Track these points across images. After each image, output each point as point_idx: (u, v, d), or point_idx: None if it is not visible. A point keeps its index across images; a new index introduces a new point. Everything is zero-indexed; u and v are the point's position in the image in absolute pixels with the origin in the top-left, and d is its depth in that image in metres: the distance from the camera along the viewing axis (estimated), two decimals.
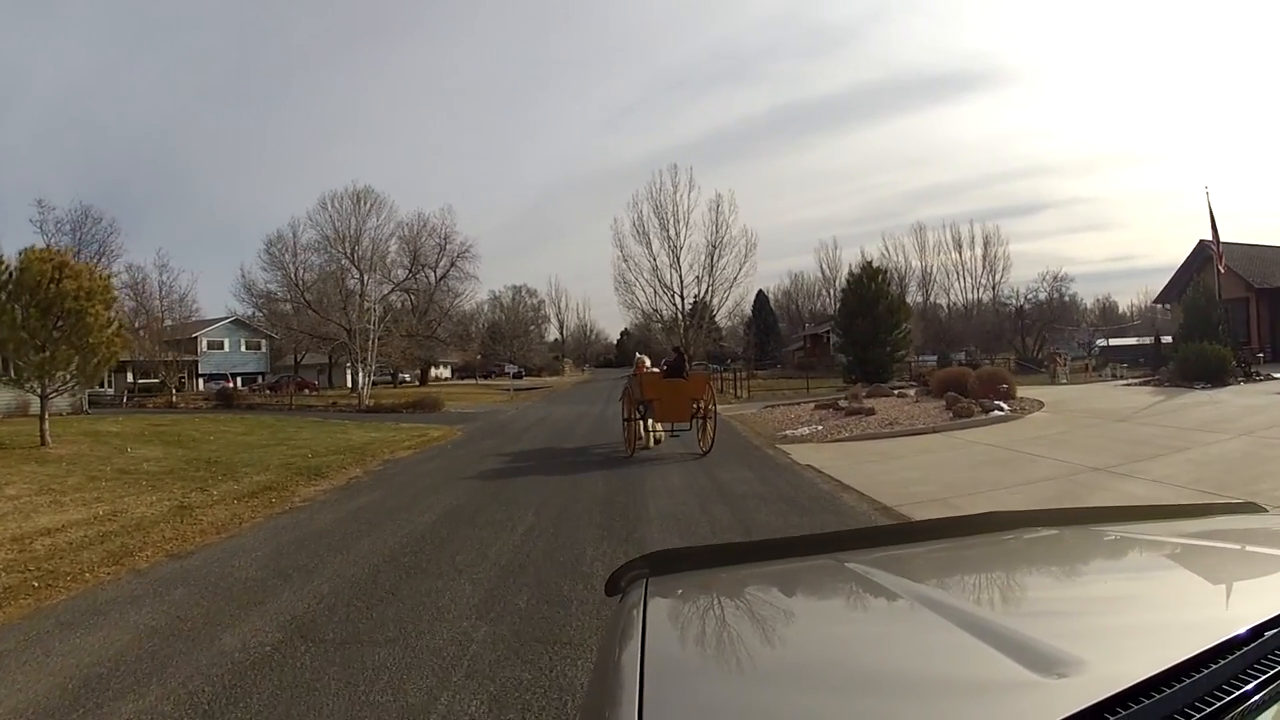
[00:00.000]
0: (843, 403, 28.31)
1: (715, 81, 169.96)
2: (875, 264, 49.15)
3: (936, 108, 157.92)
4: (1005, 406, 22.92)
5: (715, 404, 19.98)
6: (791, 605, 1.95)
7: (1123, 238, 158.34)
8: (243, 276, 72.33)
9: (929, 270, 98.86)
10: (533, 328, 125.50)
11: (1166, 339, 40.44)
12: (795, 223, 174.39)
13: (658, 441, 20.41)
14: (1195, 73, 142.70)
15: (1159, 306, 60.09)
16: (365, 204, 65.60)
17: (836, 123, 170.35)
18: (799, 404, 33.68)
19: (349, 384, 70.88)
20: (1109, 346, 60.78)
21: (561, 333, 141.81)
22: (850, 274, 50.21)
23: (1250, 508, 2.69)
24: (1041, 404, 23.94)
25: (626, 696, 1.23)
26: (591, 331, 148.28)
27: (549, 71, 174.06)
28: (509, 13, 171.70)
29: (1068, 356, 41.49)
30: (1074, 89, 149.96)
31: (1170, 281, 42.26)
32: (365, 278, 55.99)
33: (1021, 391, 26.41)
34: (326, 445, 22.63)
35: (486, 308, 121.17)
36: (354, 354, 48.12)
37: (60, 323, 20.89)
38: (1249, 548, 2.10)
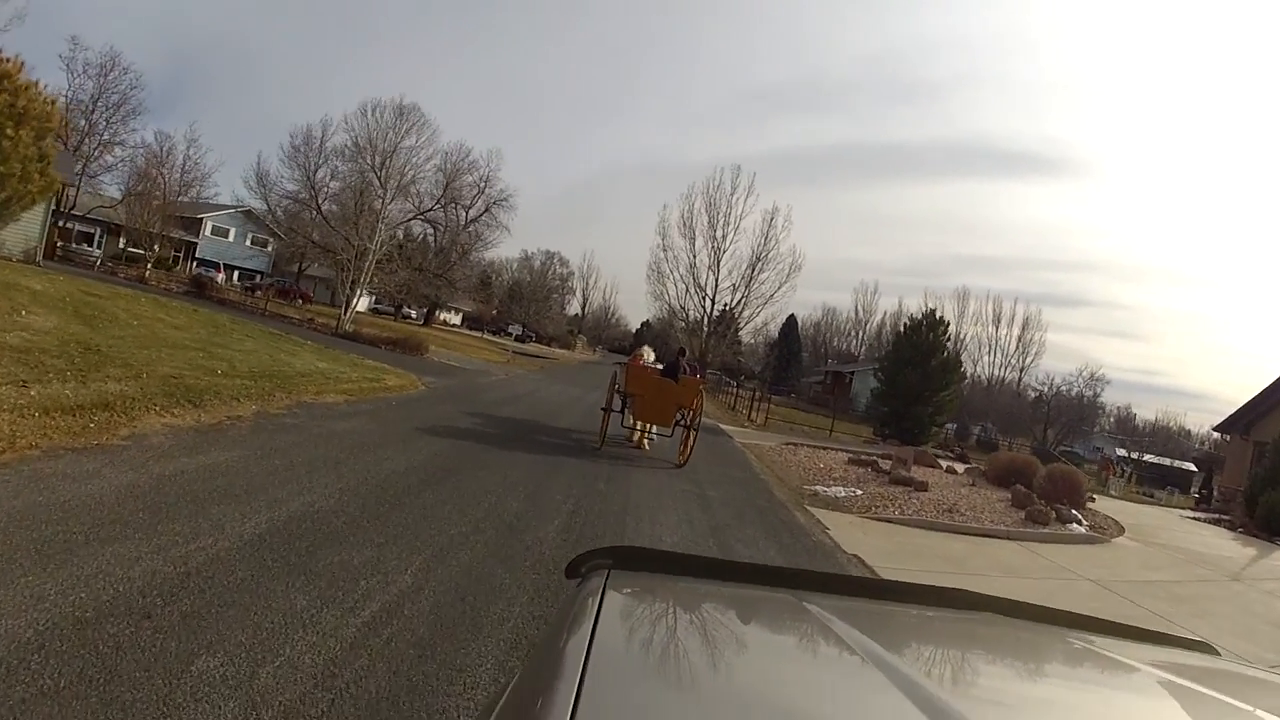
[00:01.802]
0: (884, 463, 23.75)
1: (792, 106, 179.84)
2: (936, 314, 44.15)
3: (1000, 181, 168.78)
4: (1083, 521, 18.66)
5: (700, 417, 18.70)
6: (743, 633, 1.96)
7: (1152, 352, 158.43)
8: (258, 165, 67.76)
9: (962, 337, 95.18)
10: (556, 296, 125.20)
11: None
12: (838, 259, 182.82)
13: (644, 445, 19.26)
14: (1252, 207, 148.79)
15: (1216, 436, 57.57)
16: (407, 120, 61.82)
17: (900, 172, 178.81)
18: (827, 449, 29.18)
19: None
20: (1129, 459, 58.05)
21: (583, 308, 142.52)
22: (909, 320, 45.25)
23: (1204, 647, 2.62)
24: (1121, 528, 19.79)
25: (565, 687, 1.22)
26: (613, 315, 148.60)
27: (637, 64, 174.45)
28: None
29: (1121, 469, 37.44)
30: (1136, 195, 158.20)
31: (1239, 412, 37.82)
32: (388, 195, 51.42)
33: None
34: (252, 365, 18.27)
35: (515, 266, 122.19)
36: (347, 271, 43.29)
37: None
38: (1200, 688, 1.92)
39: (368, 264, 43.04)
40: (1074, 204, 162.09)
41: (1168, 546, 18.76)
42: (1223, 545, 20.78)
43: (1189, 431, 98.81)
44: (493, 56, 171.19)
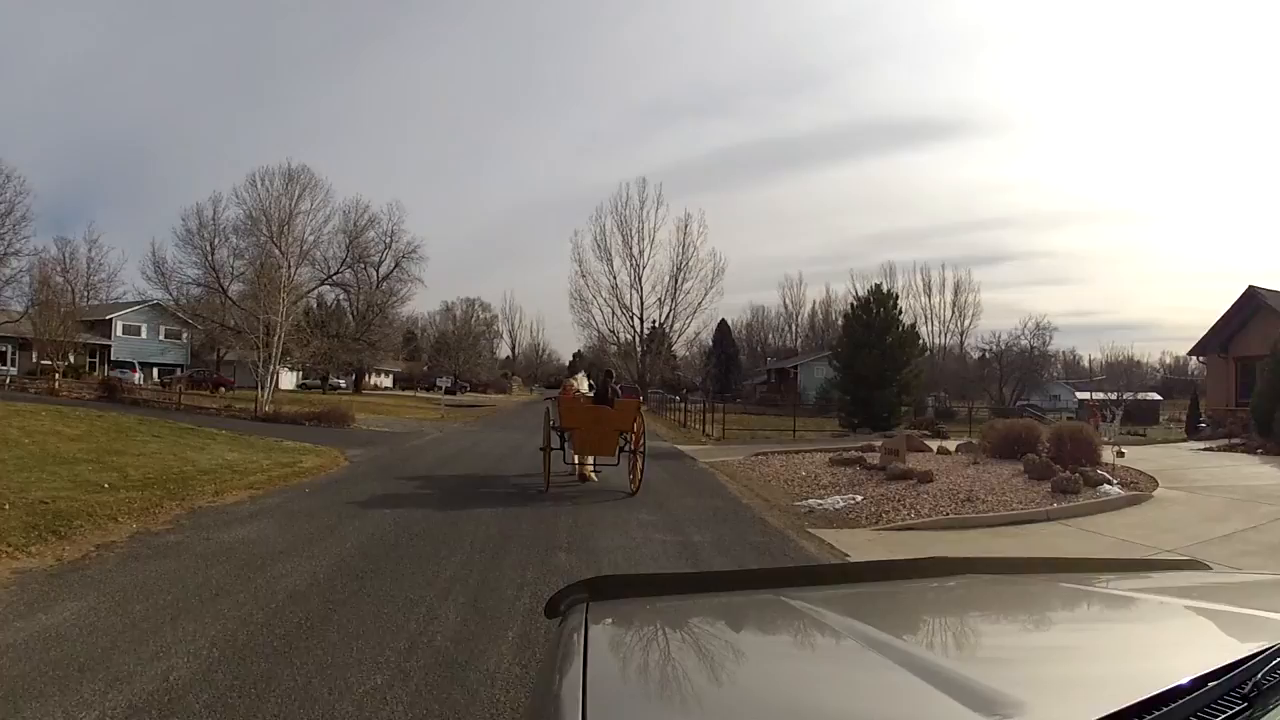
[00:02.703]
0: (870, 457, 21.44)
1: (685, 113, 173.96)
2: (882, 288, 41.38)
3: (904, 154, 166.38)
4: (1112, 479, 16.45)
5: (645, 439, 17.55)
6: (735, 639, 1.97)
7: (1083, 293, 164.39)
8: (153, 253, 63.62)
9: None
10: (483, 342, 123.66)
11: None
12: (756, 257, 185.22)
13: (591, 477, 18.21)
14: (1158, 130, 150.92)
15: (1170, 360, 57.97)
16: (298, 185, 59.31)
17: (802, 161, 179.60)
18: (800, 452, 26.47)
19: (278, 384, 64.33)
20: (1093, 401, 55.09)
21: (513, 350, 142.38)
22: (855, 299, 42.41)
23: (1193, 564, 2.86)
24: (1152, 478, 17.75)
25: None
26: (544, 351, 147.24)
27: (518, 94, 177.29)
28: (483, 30, 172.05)
29: (1114, 413, 35.45)
30: (1040, 144, 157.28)
31: (1211, 332, 36.78)
32: (292, 265, 48.61)
33: None
34: (149, 471, 16.30)
35: (438, 318, 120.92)
36: (258, 350, 40.01)
37: None
38: (1192, 603, 2.13)
39: (276, 339, 40.12)
40: (979, 163, 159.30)
41: (1211, 488, 17.21)
42: (1263, 474, 20.00)
43: (1138, 362, 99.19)
44: (378, 106, 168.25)
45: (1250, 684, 1.26)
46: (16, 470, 14.50)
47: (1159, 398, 72.03)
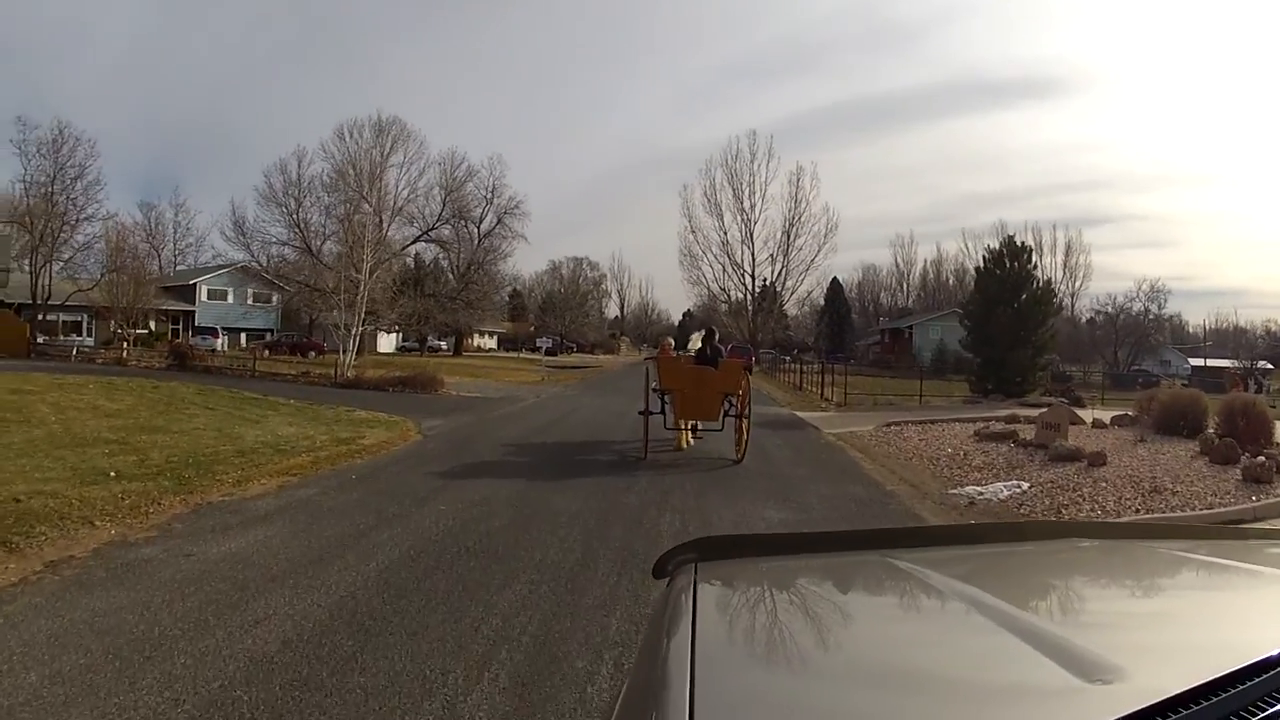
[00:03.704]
0: (1025, 432, 18.44)
1: (781, 72, 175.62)
2: (1016, 240, 37.81)
3: (997, 112, 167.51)
4: None
5: (750, 403, 16.74)
6: (841, 600, 1.96)
7: (1181, 258, 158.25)
8: (233, 212, 63.51)
9: None
10: (591, 301, 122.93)
11: None
12: (857, 218, 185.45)
13: (685, 446, 17.11)
14: (1252, 90, 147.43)
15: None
16: (389, 137, 57.65)
17: (903, 120, 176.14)
18: (935, 422, 23.41)
19: (377, 347, 63.08)
20: (1236, 369, 55.57)
21: (622, 310, 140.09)
22: (988, 251, 38.74)
23: None
24: None
25: (677, 683, 1.22)
26: (653, 310, 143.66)
27: (616, 52, 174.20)
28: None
29: (1260, 381, 32.18)
30: (1134, 104, 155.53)
31: None
32: (385, 221, 46.74)
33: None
34: (179, 451, 14.18)
35: (545, 278, 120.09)
36: (339, 311, 38.14)
37: None
38: None
39: (360, 298, 37.86)
40: (1073, 123, 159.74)
41: None
42: None
43: (1243, 329, 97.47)
44: (479, 62, 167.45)
45: None
46: (19, 455, 12.56)
47: (1270, 366, 70.68)
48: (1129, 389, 41.66)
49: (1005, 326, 34.69)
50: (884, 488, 13.74)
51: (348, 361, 36.23)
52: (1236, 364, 58.69)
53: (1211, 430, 16.28)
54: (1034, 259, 36.97)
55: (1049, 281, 36.61)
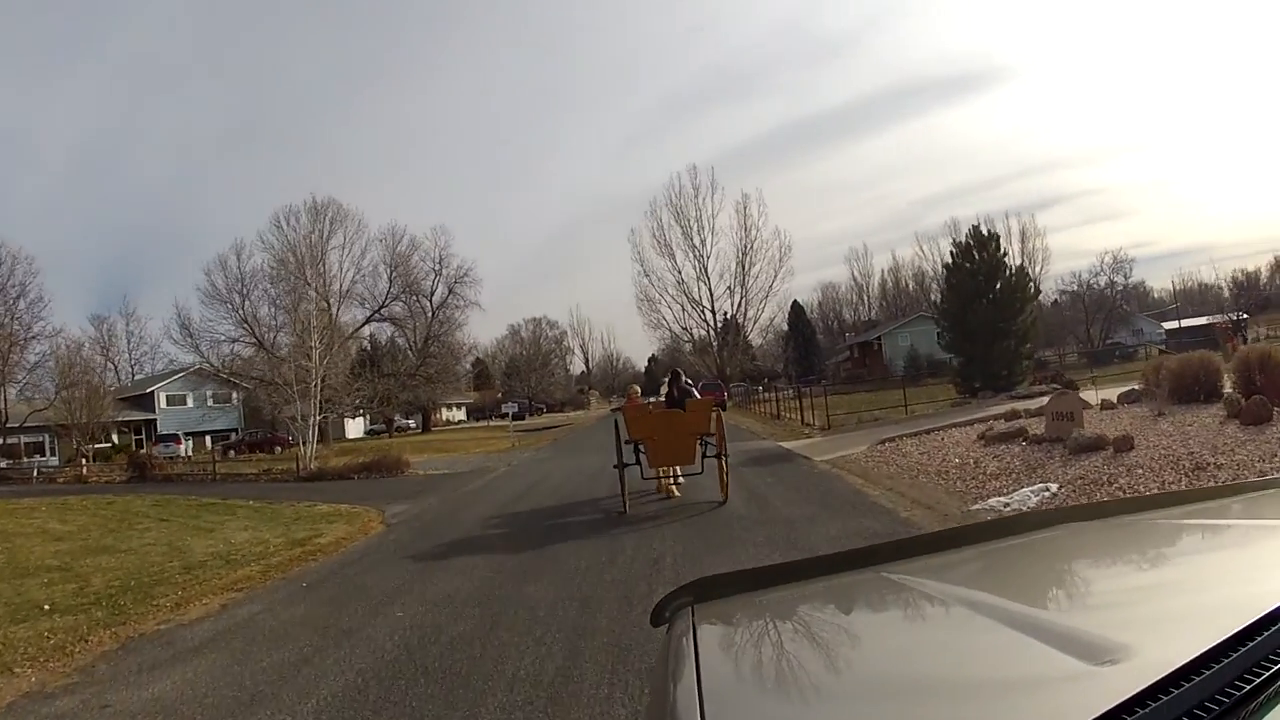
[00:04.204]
0: (1034, 428, 17.08)
1: (718, 101, 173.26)
2: (982, 230, 36.26)
3: (941, 112, 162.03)
4: None
5: (725, 441, 15.67)
6: (841, 621, 1.89)
7: (1137, 225, 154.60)
8: (178, 314, 61.69)
9: None
10: (555, 360, 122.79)
11: None
12: (813, 236, 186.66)
13: (674, 491, 16.22)
14: (1193, 44, 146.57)
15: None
16: (325, 218, 56.54)
17: (844, 133, 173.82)
18: (932, 431, 22.02)
19: (345, 434, 62.30)
20: (1224, 321, 56.15)
21: (587, 364, 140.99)
22: (955, 245, 37.32)
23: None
24: None
25: None
26: (618, 360, 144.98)
27: (550, 109, 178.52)
28: (504, 54, 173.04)
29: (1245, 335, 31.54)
30: (1068, 83, 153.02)
31: None
32: (333, 305, 45.52)
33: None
34: (121, 573, 13.57)
35: (507, 344, 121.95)
36: (295, 403, 36.69)
37: None
38: None
39: (315, 387, 36.53)
40: (1014, 109, 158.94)
41: None
42: None
43: (1208, 285, 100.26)
44: (415, 137, 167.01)
45: None
46: None
47: (1246, 316, 71.00)
48: (1108, 364, 42.63)
49: (984, 319, 33.33)
50: (898, 515, 12.25)
51: (309, 453, 34.94)
52: (1222, 318, 58.39)
53: (1229, 390, 15.61)
54: (1003, 246, 35.51)
55: (1021, 267, 35.03)
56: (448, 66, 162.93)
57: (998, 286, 34.01)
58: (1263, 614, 1.15)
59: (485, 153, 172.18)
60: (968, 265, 34.99)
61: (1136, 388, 20.30)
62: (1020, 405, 23.01)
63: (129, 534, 18.07)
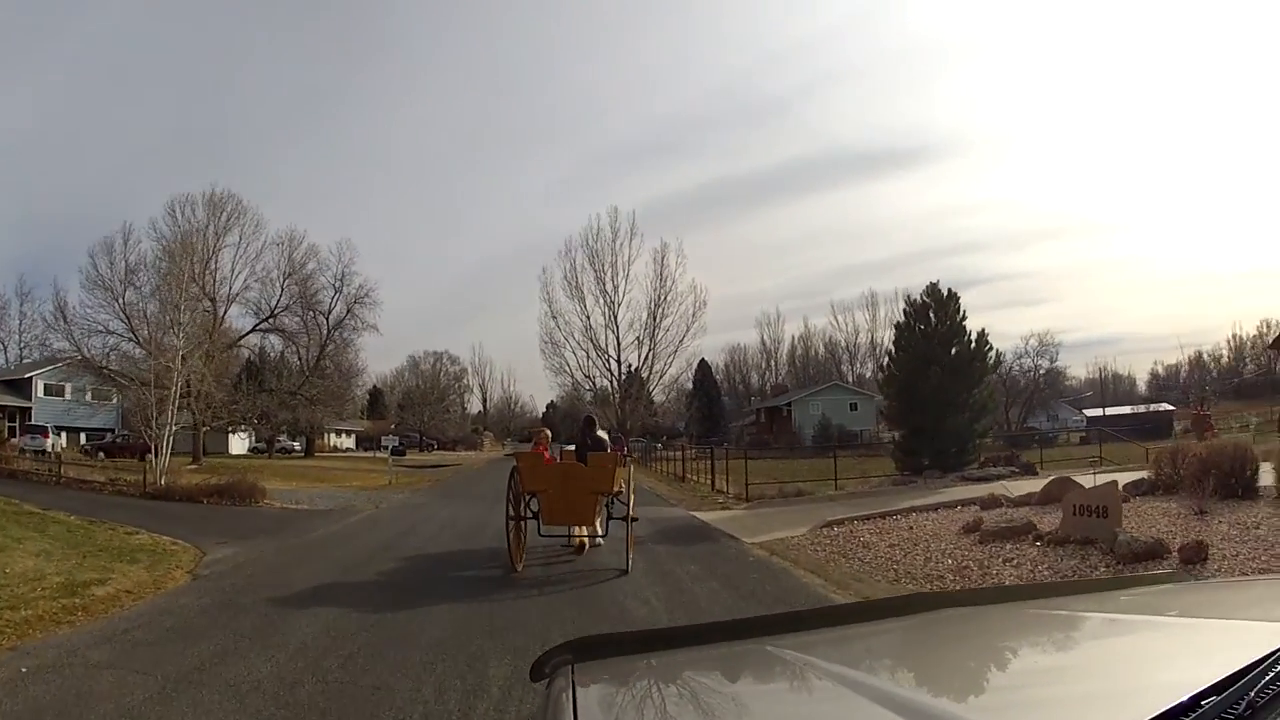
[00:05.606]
0: (1043, 523, 13.60)
1: (648, 153, 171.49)
2: (940, 288, 32.77)
3: (866, 184, 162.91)
4: None
5: (634, 499, 14.62)
6: (721, 692, 1.87)
7: (1054, 313, 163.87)
8: (55, 296, 56.50)
9: (879, 343, 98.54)
10: (452, 396, 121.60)
11: None
12: (730, 296, 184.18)
13: (584, 546, 14.71)
14: (1118, 140, 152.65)
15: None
16: (223, 212, 52.28)
17: (765, 199, 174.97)
18: (886, 515, 18.30)
19: (228, 449, 60.69)
20: (1199, 406, 54.27)
21: (485, 404, 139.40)
22: (909, 303, 33.71)
23: (1175, 577, 3.24)
24: None
25: None
26: (516, 403, 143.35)
27: (477, 149, 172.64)
28: (442, 85, 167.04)
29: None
30: (1001, 165, 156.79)
31: None
32: (219, 307, 41.43)
33: None
34: None
35: (406, 374, 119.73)
36: (151, 406, 32.71)
37: None
38: (1178, 616, 2.15)
39: (174, 391, 32.67)
40: (942, 189, 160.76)
41: None
42: None
43: (1129, 377, 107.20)
44: (332, 171, 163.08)
45: (1244, 702, 1.18)
46: None
47: (1171, 407, 75.46)
48: (1026, 448, 40.89)
49: (937, 388, 29.82)
50: None
51: (160, 467, 30.64)
52: (1195, 405, 57.90)
53: (1273, 483, 14.16)
54: (961, 309, 31.94)
55: (983, 331, 31.39)
56: (384, 95, 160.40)
57: (953, 353, 30.70)
58: (1158, 711, 1.11)
59: (405, 182, 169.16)
60: (922, 328, 31.62)
61: (1147, 476, 17.45)
62: (984, 489, 20.47)
63: None
